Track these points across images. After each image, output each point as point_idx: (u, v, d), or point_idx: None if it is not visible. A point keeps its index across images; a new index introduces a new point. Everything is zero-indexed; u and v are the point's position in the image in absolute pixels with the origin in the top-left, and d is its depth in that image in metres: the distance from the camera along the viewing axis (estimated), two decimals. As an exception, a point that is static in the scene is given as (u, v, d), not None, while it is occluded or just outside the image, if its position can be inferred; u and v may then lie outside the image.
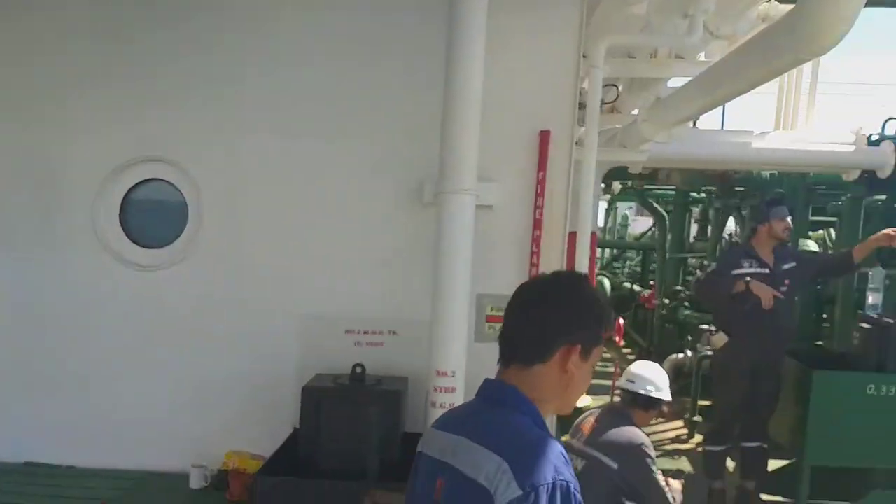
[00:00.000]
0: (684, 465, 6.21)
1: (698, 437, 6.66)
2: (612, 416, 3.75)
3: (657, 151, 5.73)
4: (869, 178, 6.41)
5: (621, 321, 8.69)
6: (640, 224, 17.86)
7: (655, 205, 11.38)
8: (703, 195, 10.51)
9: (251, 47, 3.95)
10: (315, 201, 3.96)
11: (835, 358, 5.31)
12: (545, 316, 1.58)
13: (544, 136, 3.80)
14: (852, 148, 6.26)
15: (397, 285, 3.93)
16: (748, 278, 4.90)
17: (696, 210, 11.63)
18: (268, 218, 4.00)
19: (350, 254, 3.97)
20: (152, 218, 4.15)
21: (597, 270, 11.25)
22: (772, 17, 4.60)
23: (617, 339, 9.10)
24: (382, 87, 3.89)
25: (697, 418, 7.00)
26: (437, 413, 2.83)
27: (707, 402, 6.68)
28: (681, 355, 7.66)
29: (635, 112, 6.02)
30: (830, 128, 6.70)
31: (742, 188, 8.67)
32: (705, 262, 9.40)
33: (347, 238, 3.97)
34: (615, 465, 3.51)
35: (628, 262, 16.02)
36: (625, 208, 18.22)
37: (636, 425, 3.69)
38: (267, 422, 3.81)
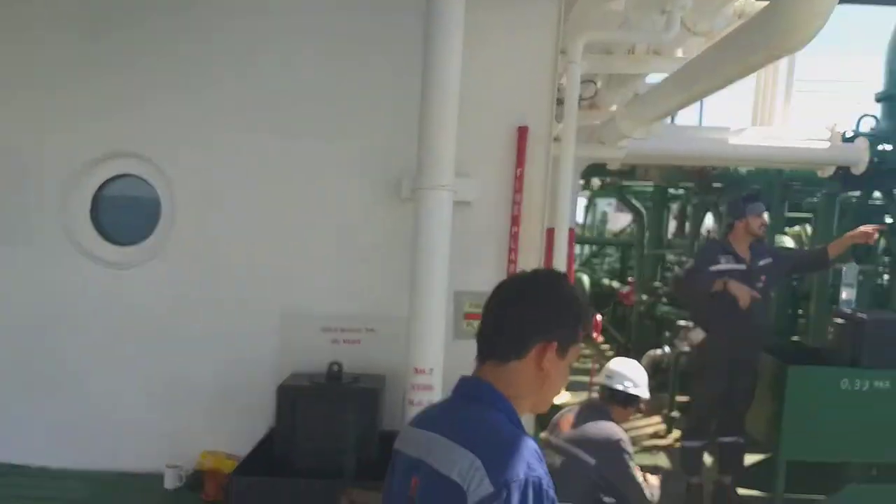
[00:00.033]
0: (662, 460, 6.25)
1: (676, 433, 6.70)
2: (591, 412, 3.75)
3: (635, 147, 5.76)
4: (843, 175, 6.47)
5: (599, 317, 8.74)
6: (621, 220, 17.92)
7: (634, 201, 11.43)
8: (682, 192, 10.58)
9: (227, 44, 3.90)
10: (291, 198, 3.92)
11: (810, 353, 5.35)
12: (522, 313, 1.58)
13: (522, 132, 3.80)
14: (827, 144, 6.32)
15: (375, 282, 3.91)
16: (727, 278, 4.94)
17: (674, 206, 11.70)
18: (242, 215, 3.95)
19: (327, 251, 3.94)
20: (125, 214, 4.09)
21: (576, 267, 11.32)
22: (748, 14, 4.62)
23: (595, 335, 9.13)
24: (359, 83, 3.86)
25: (675, 414, 7.03)
26: (415, 411, 2.81)
27: (685, 398, 6.73)
28: (659, 351, 7.73)
29: (613, 108, 6.04)
30: (806, 125, 6.75)
31: (720, 184, 8.73)
32: (683, 259, 9.46)
33: (324, 235, 3.94)
34: (593, 462, 3.51)
35: (607, 259, 16.07)
36: (604, 205, 18.30)
37: (614, 421, 3.69)
38: (243, 421, 3.76)
